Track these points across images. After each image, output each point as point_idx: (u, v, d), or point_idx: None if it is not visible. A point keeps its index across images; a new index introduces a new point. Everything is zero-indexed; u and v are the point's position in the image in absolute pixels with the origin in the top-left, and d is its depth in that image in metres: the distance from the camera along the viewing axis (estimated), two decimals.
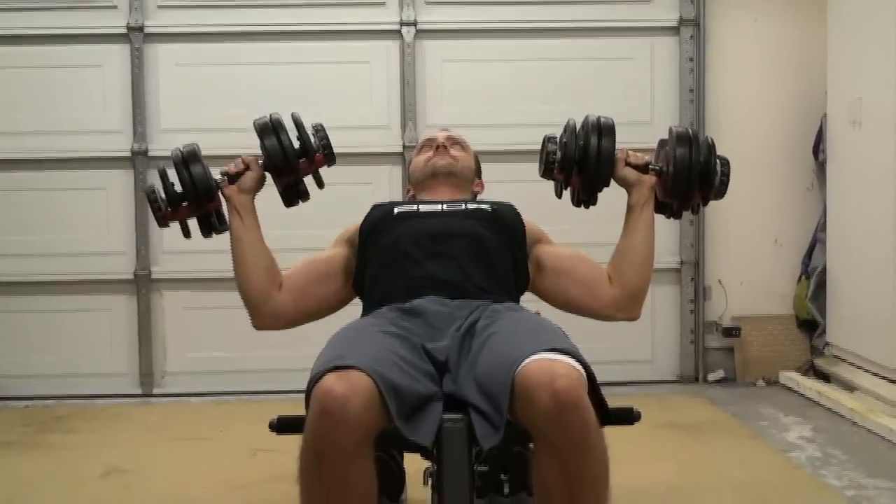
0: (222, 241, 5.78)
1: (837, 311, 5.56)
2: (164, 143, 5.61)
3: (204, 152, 5.78)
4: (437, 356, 2.40)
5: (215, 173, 2.81)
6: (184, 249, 5.61)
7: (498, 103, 5.70)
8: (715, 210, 5.77)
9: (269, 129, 2.76)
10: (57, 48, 5.65)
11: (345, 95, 5.69)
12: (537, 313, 2.66)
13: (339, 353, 2.24)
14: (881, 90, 5.00)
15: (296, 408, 2.33)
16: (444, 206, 2.91)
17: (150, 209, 2.78)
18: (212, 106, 5.66)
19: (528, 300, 2.90)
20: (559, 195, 2.93)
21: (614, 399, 2.26)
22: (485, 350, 2.33)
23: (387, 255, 2.79)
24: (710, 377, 5.86)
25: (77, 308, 5.72)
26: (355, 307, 2.91)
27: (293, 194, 2.84)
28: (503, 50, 5.72)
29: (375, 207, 2.98)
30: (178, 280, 5.72)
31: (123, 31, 5.63)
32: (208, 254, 5.61)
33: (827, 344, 5.68)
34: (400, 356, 2.30)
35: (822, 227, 5.75)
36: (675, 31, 5.78)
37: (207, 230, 2.83)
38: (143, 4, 5.64)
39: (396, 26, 5.69)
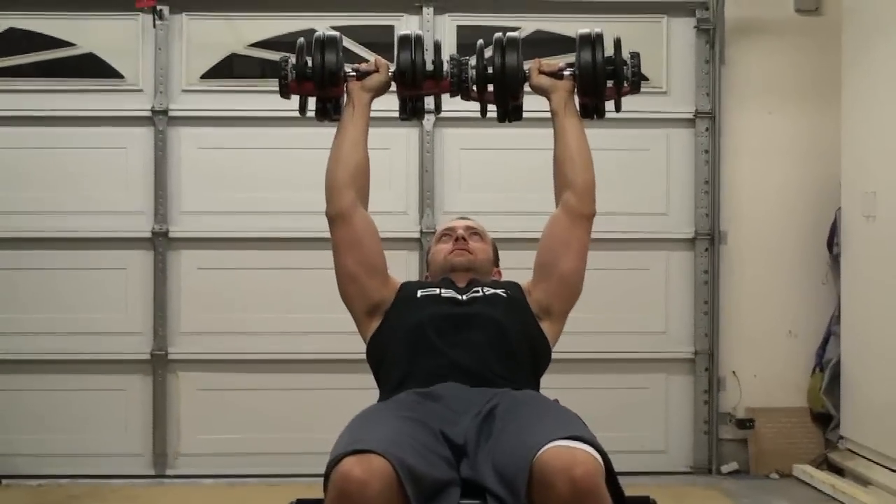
0: (238, 322, 5.80)
1: (851, 404, 5.54)
2: (184, 225, 5.69)
3: (225, 234, 5.82)
4: (455, 440, 2.41)
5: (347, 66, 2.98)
6: (200, 331, 5.70)
7: (515, 191, 5.71)
8: (729, 300, 5.80)
9: (408, 43, 2.94)
10: (82, 130, 5.71)
11: None
12: (555, 401, 2.68)
13: (358, 436, 2.26)
14: None
15: (310, 491, 2.34)
16: (465, 296, 2.93)
17: (279, 82, 2.94)
18: (233, 189, 5.71)
19: (546, 386, 2.92)
20: (483, 114, 3.15)
21: (628, 489, 2.26)
22: (503, 436, 2.35)
23: (408, 339, 2.81)
24: (724, 469, 5.81)
25: (92, 387, 5.71)
26: (372, 392, 2.92)
27: (410, 109, 3.08)
28: (521, 138, 5.72)
29: (404, 285, 3.02)
30: (193, 361, 5.72)
31: (148, 114, 5.70)
32: (224, 335, 5.68)
33: (841, 437, 5.65)
34: (418, 441, 2.31)
35: (836, 319, 5.75)
36: (690, 122, 5.83)
37: (322, 114, 3.02)
38: (168, 88, 5.72)
39: None
